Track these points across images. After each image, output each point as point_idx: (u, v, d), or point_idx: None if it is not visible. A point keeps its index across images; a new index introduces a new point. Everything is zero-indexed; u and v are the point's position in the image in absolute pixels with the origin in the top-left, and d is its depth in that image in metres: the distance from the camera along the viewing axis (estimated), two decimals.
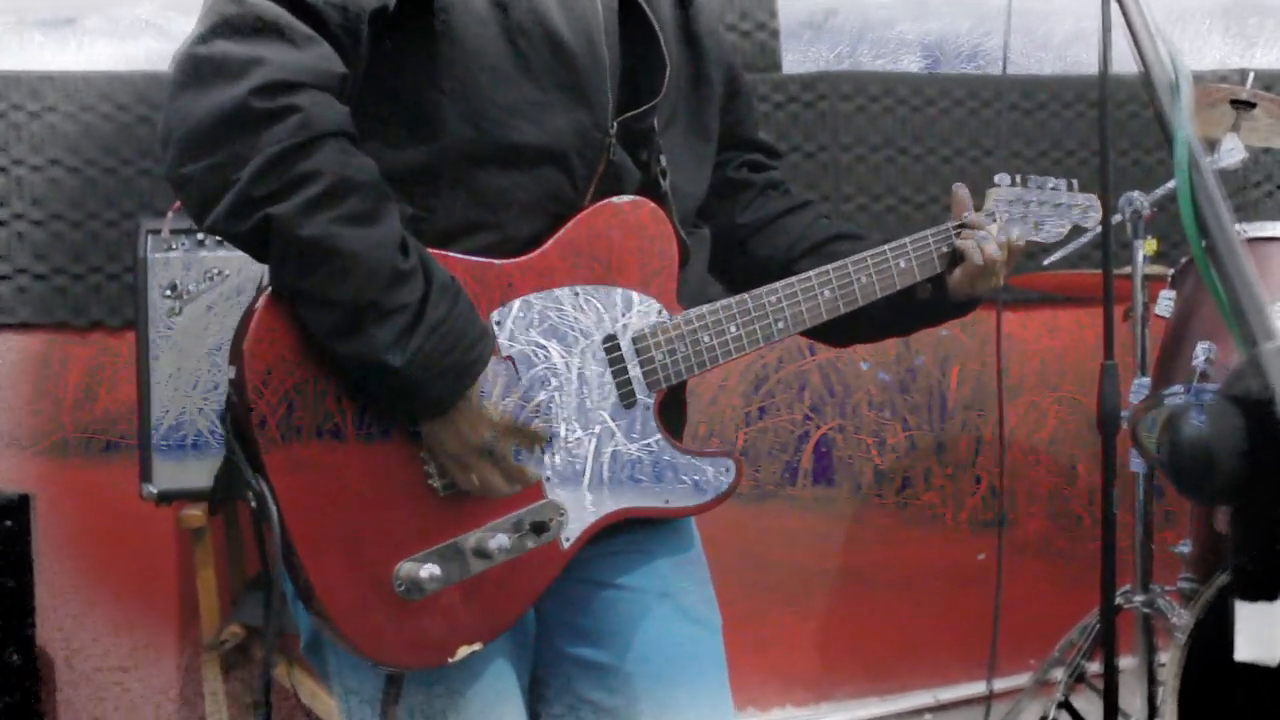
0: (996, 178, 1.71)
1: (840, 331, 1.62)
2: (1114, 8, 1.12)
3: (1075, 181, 1.78)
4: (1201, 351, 2.30)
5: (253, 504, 1.28)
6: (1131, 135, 3.53)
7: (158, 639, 3.06)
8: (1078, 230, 1.80)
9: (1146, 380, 2.49)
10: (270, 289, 1.30)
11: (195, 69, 1.26)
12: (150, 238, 2.71)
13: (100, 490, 2.98)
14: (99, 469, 2.99)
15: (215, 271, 2.69)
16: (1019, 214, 1.71)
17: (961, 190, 1.67)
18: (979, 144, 3.47)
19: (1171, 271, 2.58)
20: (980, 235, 1.61)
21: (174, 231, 2.70)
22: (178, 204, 2.76)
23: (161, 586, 3.04)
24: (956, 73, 3.46)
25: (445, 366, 1.28)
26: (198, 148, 1.24)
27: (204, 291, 2.69)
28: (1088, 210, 1.79)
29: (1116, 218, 2.56)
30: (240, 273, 2.69)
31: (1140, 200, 2.58)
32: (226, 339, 2.63)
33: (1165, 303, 2.51)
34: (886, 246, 1.58)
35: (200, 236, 2.71)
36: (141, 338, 2.68)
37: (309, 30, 1.28)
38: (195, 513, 2.72)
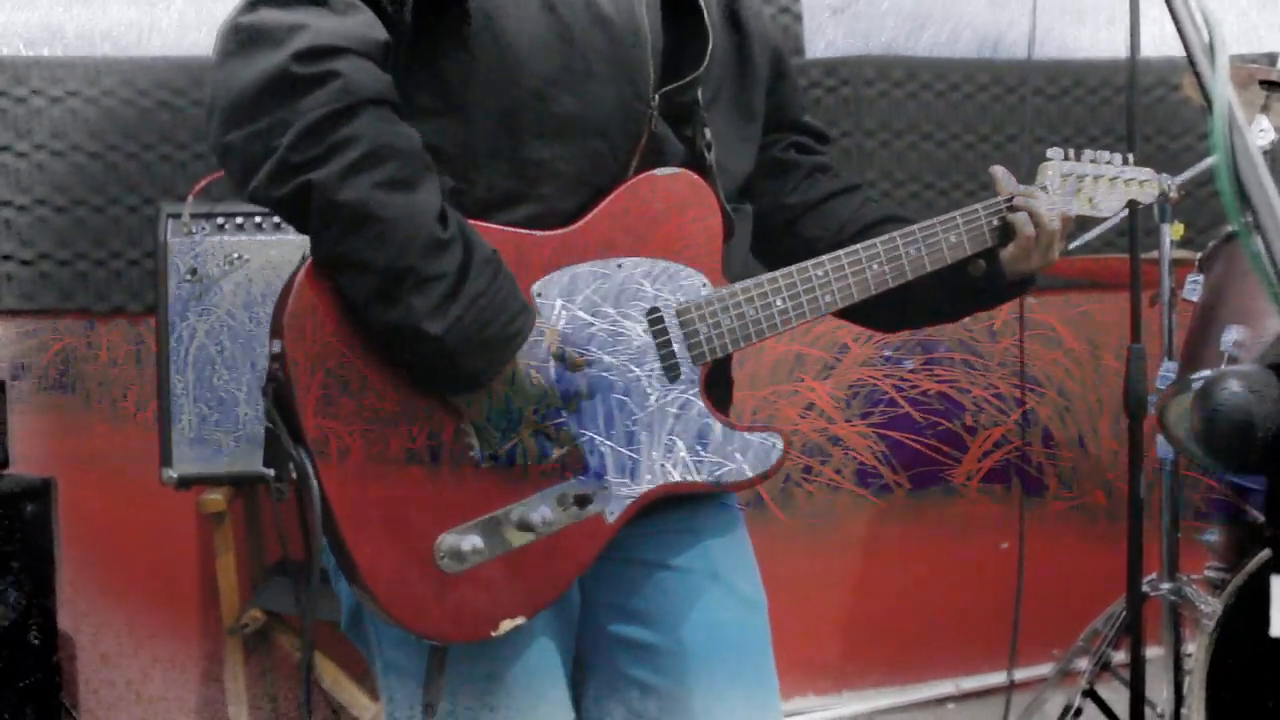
0: (1050, 152, 1.66)
1: (890, 314, 1.60)
2: None
3: (1130, 155, 1.73)
4: (1230, 336, 2.27)
5: (293, 475, 1.28)
6: (1157, 120, 3.49)
7: (177, 623, 3.07)
8: (1134, 205, 1.74)
9: (1174, 365, 2.46)
10: (311, 259, 1.30)
11: (239, 37, 1.26)
12: (171, 222, 2.71)
13: (121, 475, 2.99)
14: (120, 454, 3.00)
15: (236, 255, 2.69)
16: (1072, 188, 1.66)
17: (999, 169, 1.63)
18: (1003, 129, 3.43)
19: (1199, 256, 2.55)
20: (1033, 204, 1.57)
21: (195, 216, 2.70)
22: (198, 188, 2.77)
23: (182, 571, 3.05)
24: (980, 57, 3.43)
25: (484, 339, 1.28)
26: (241, 115, 1.24)
27: (225, 276, 2.69)
28: (1145, 184, 1.73)
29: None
30: (261, 257, 2.69)
31: (1168, 184, 2.55)
32: (246, 324, 2.65)
33: (1192, 287, 2.48)
34: (935, 220, 1.55)
35: (220, 221, 2.70)
36: (162, 322, 2.68)
37: None
38: (215, 497, 2.72)
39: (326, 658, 2.79)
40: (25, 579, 2.62)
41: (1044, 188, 1.64)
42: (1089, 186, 1.68)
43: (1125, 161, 1.71)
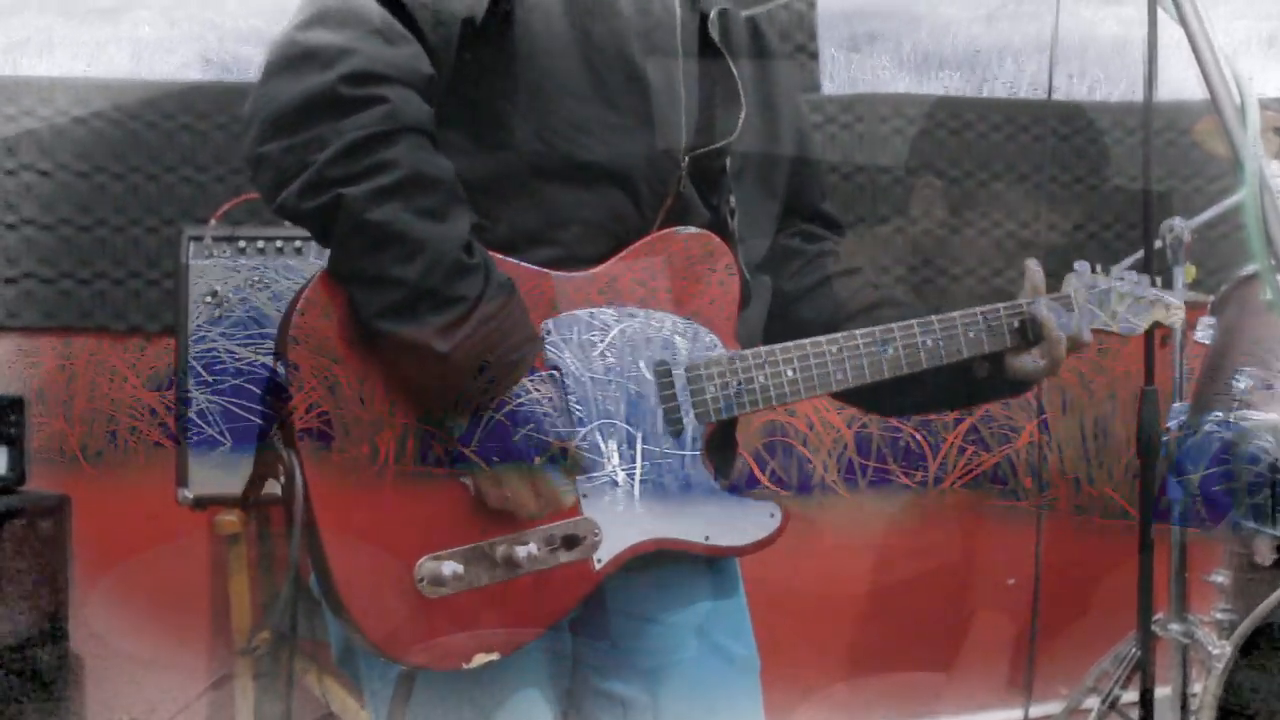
0: (1076, 265, 1.63)
1: (890, 399, 1.57)
2: (1164, 30, 1.13)
3: (1159, 279, 1.71)
4: (1243, 378, 2.29)
5: (281, 478, 1.29)
6: (1169, 162, 3.52)
7: (189, 643, 3.07)
8: (1155, 329, 1.70)
9: (1185, 406, 2.48)
10: (324, 271, 1.31)
11: (289, 54, 1.29)
12: (192, 244, 2.73)
13: (137, 494, 3.00)
14: (136, 473, 3.02)
15: (257, 279, 2.71)
16: (1097, 301, 1.63)
17: (1034, 266, 1.59)
18: (1016, 169, 3.47)
19: (1211, 299, 2.58)
20: (1047, 319, 1.54)
21: (216, 239, 2.72)
22: (220, 212, 2.80)
23: (195, 591, 3.06)
24: (995, 97, 3.46)
25: (488, 361, 1.29)
26: (280, 128, 1.27)
27: (245, 298, 2.71)
28: (1171, 309, 1.69)
29: (1157, 244, 2.56)
30: (281, 280, 2.71)
31: (1180, 227, 2.58)
32: (263, 346, 2.67)
33: (1205, 329, 2.51)
34: (956, 314, 1.54)
35: (241, 244, 2.72)
36: (181, 343, 2.70)
37: (403, 29, 1.31)
38: (230, 518, 2.73)
39: (334, 680, 2.79)
40: (38, 596, 2.63)
41: (1068, 299, 1.60)
42: (1114, 302, 1.64)
43: (1153, 284, 1.69)
